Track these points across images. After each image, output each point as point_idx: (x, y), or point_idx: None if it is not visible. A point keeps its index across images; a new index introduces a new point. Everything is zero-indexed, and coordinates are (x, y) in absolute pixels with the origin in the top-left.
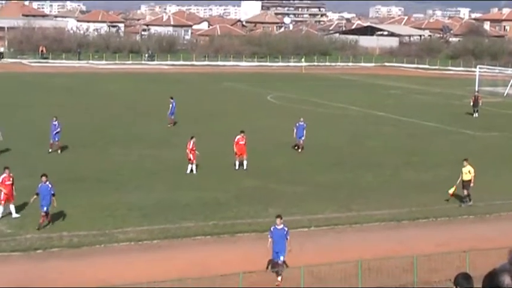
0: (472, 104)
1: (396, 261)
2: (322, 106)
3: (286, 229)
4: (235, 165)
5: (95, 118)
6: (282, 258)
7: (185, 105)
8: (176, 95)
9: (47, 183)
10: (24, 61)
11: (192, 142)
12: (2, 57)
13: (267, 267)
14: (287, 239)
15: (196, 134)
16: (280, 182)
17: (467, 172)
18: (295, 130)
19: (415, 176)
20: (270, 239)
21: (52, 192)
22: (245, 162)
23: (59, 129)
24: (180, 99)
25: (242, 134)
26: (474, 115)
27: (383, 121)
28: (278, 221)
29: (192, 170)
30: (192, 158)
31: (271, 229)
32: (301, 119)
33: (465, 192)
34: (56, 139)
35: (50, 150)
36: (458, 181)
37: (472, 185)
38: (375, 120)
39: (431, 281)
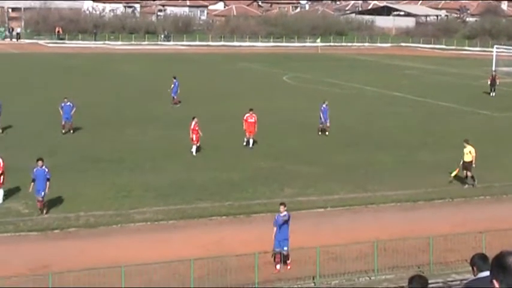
0: (489, 83)
1: (412, 241)
2: (338, 86)
3: (288, 215)
4: (244, 141)
5: (111, 99)
6: (285, 248)
7: (201, 86)
8: (192, 76)
9: (43, 167)
10: (40, 42)
11: (194, 122)
12: (19, 38)
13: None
14: (288, 224)
15: (212, 114)
16: (296, 163)
17: (468, 153)
18: (320, 114)
19: (431, 157)
20: (274, 228)
21: (48, 177)
22: (251, 141)
23: (74, 109)
24: (196, 80)
25: (251, 112)
26: (491, 94)
27: (399, 102)
28: (282, 208)
29: (196, 151)
30: (194, 139)
31: (276, 217)
32: (326, 102)
33: (468, 173)
34: (70, 120)
35: (64, 131)
36: (460, 163)
37: (473, 165)
38: (390, 101)
39: (447, 261)
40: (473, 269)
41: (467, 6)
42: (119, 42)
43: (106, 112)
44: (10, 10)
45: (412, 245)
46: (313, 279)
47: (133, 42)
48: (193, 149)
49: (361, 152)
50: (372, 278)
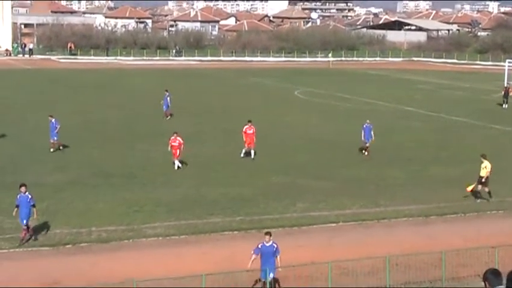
0: (503, 94)
1: (424, 256)
2: (349, 101)
3: (275, 245)
4: (241, 153)
5: (123, 114)
6: (271, 275)
7: (212, 101)
8: (203, 91)
9: (26, 193)
10: (53, 57)
11: (175, 138)
12: (31, 54)
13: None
14: (277, 256)
15: (223, 129)
16: (307, 178)
17: (484, 168)
18: (362, 132)
19: (444, 171)
20: (253, 256)
21: (32, 203)
22: (252, 152)
23: (58, 127)
24: (207, 95)
25: (250, 124)
26: (504, 106)
27: (411, 116)
28: (267, 238)
29: (178, 166)
30: (174, 153)
31: (259, 246)
32: (368, 121)
33: (485, 189)
34: (55, 138)
35: (52, 150)
36: (479, 178)
37: (483, 180)
38: (403, 115)
39: (459, 277)
40: (485, 284)
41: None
42: (131, 58)
43: (117, 127)
44: (23, 26)
45: (425, 260)
46: None
47: (145, 58)
48: (176, 162)
49: (373, 167)
50: None
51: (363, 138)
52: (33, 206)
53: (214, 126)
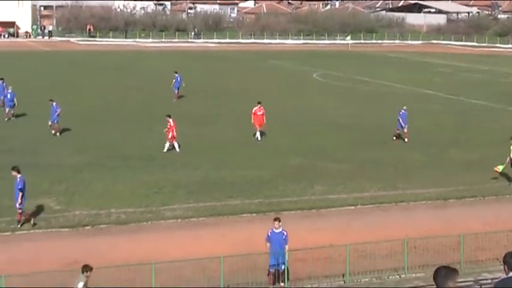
0: None
1: (443, 239)
2: (368, 84)
3: (285, 233)
4: (255, 136)
5: (141, 96)
6: (283, 267)
7: (231, 83)
8: (222, 73)
9: (17, 176)
10: (72, 39)
11: (171, 121)
12: (51, 36)
13: (270, 276)
14: (286, 244)
15: (241, 111)
16: (326, 160)
17: None
18: (399, 120)
19: (462, 155)
20: (267, 244)
21: (19, 187)
22: (258, 134)
23: (58, 111)
24: (226, 77)
25: (259, 105)
26: None
27: (430, 99)
28: (276, 224)
29: (173, 148)
30: (170, 137)
31: (269, 233)
32: (404, 107)
33: None
34: (55, 121)
35: (53, 133)
36: (507, 160)
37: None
38: (422, 98)
39: (478, 260)
40: (505, 267)
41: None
42: (150, 40)
43: (136, 109)
44: (42, 8)
45: (443, 243)
46: (343, 277)
47: (163, 40)
48: (166, 145)
49: (392, 150)
50: (402, 276)
51: (400, 125)
52: (20, 190)
53: (233, 109)
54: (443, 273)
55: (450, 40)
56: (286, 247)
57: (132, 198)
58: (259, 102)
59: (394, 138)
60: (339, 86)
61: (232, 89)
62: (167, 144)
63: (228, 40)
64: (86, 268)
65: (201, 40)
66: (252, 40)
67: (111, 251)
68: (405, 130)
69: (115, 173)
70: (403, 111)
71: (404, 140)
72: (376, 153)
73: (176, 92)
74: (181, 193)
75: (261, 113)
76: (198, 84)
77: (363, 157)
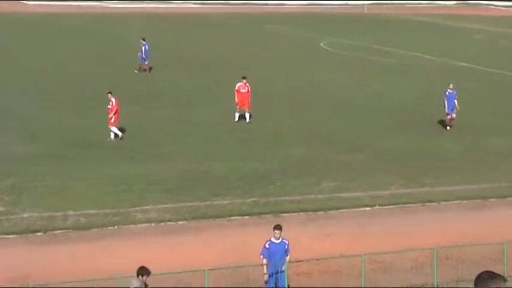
0: None
1: (481, 248)
2: (389, 55)
3: (286, 243)
4: (235, 117)
5: (107, 68)
6: (284, 284)
7: (217, 53)
8: (206, 41)
9: None
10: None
11: (113, 100)
12: None
13: None
14: (287, 255)
15: (231, 89)
16: (336, 150)
17: None
18: (445, 101)
19: (505, 143)
20: (264, 260)
21: None
22: (247, 115)
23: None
24: (211, 46)
25: (244, 81)
26: None
27: (465, 74)
28: (276, 233)
29: (116, 134)
30: (113, 120)
31: (267, 245)
32: (451, 85)
33: None
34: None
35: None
36: None
37: None
38: (454, 73)
39: None
40: None
41: None
42: (117, 0)
43: (100, 84)
44: None
45: (481, 252)
46: None
47: (134, 0)
48: (115, 132)
49: (417, 137)
50: None
51: (446, 109)
52: None
53: (220, 85)
54: (486, 276)
55: None
56: (287, 258)
57: (95, 197)
58: (244, 78)
59: (448, 127)
60: (352, 57)
61: (219, 61)
62: (114, 129)
63: (214, 1)
64: (142, 271)
65: (181, 0)
66: (244, 1)
67: (69, 262)
68: (453, 115)
69: (73, 165)
70: (449, 90)
71: (446, 127)
72: (398, 142)
73: (145, 63)
74: (156, 191)
75: (246, 90)
76: (177, 55)
77: (382, 146)
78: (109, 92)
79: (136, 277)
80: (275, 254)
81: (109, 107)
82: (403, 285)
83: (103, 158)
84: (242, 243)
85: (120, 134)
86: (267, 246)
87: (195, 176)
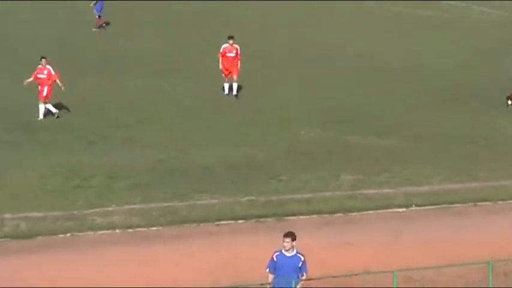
0: None
1: None
2: (427, 6)
3: (301, 258)
4: (223, 89)
5: (56, 27)
6: None
7: (205, 4)
8: None
9: None
10: None
11: (43, 67)
12: None
13: None
14: (302, 275)
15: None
16: (360, 131)
17: None
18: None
19: None
20: (270, 276)
21: None
22: (235, 86)
23: None
24: None
25: (231, 42)
26: None
27: None
28: (287, 242)
29: (50, 111)
30: (46, 93)
31: (274, 257)
32: None
33: None
34: None
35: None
36: None
37: None
38: None
39: None
40: None
41: None
42: None
43: (43, 46)
44: None
45: None
46: None
47: None
48: (49, 108)
49: (466, 115)
50: None
51: None
52: None
53: (204, 44)
54: None
55: None
56: (303, 277)
57: (41, 194)
58: (230, 37)
59: (510, 102)
60: (380, 8)
61: (206, 14)
62: (44, 107)
63: None
64: None
65: None
66: None
67: (6, 279)
68: None
69: (12, 153)
70: None
71: (508, 101)
72: (441, 121)
73: (97, 16)
74: (122, 187)
75: (233, 54)
76: (146, 8)
77: (419, 126)
78: (42, 58)
79: None
80: (283, 270)
81: (42, 76)
82: None
83: (51, 143)
84: (234, 256)
85: (55, 111)
86: (274, 258)
87: (173, 167)
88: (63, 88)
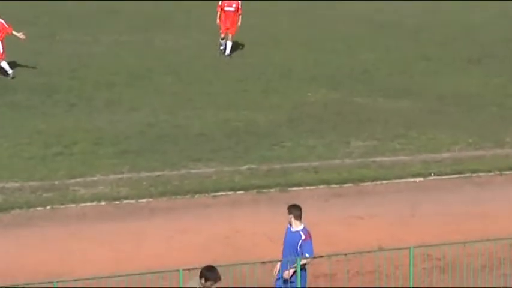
0: None
1: None
2: None
3: (302, 237)
4: (220, 46)
5: None
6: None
7: None
8: None
9: None
10: None
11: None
12: None
13: None
14: (305, 254)
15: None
16: (372, 92)
17: None
18: None
19: None
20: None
21: None
22: (229, 45)
23: None
24: None
25: None
26: None
27: None
28: (293, 218)
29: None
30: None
31: (285, 230)
32: None
33: None
34: None
35: None
36: None
37: None
38: None
39: None
40: None
41: None
42: None
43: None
44: None
45: None
46: None
47: None
48: (4, 68)
49: (492, 75)
50: None
51: None
52: None
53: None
54: None
55: None
56: (305, 259)
57: (17, 163)
58: None
59: None
60: None
61: None
62: (3, 64)
63: None
64: (209, 274)
65: None
66: None
67: None
68: None
69: None
70: None
71: None
72: (463, 80)
73: None
74: (107, 154)
75: (233, 8)
76: None
77: (439, 86)
78: None
79: (198, 278)
80: (285, 247)
81: None
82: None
83: (29, 106)
84: (233, 230)
85: (10, 71)
86: (285, 231)
87: (164, 132)
88: (23, 38)
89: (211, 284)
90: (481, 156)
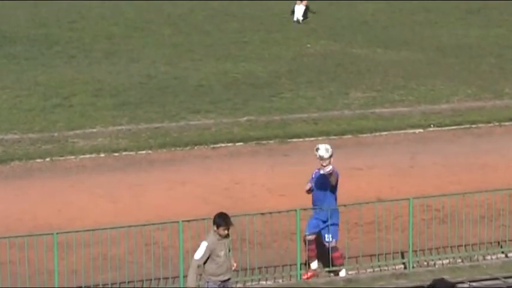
0: None
1: None
2: None
3: (331, 171)
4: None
5: None
6: (328, 237)
7: None
8: None
9: None
10: None
11: None
12: None
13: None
14: (331, 193)
15: None
16: (371, 42)
17: None
18: None
19: None
20: (308, 185)
21: None
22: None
23: None
24: None
25: None
26: None
27: None
28: (325, 162)
29: None
30: None
31: (313, 174)
32: None
33: None
34: None
35: None
36: None
37: None
38: None
39: None
40: None
41: None
42: None
43: None
44: None
45: None
46: (403, 257)
47: None
48: None
49: (491, 25)
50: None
51: None
52: None
53: None
54: None
55: None
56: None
57: (16, 114)
58: None
59: None
60: None
61: None
62: None
63: None
64: (220, 220)
65: None
66: None
67: None
68: None
69: None
70: None
71: None
72: (462, 32)
73: None
74: (107, 105)
75: None
76: None
77: (438, 37)
78: None
79: (213, 231)
80: (320, 189)
81: None
82: (469, 242)
83: (28, 57)
84: (232, 182)
85: None
86: (313, 174)
87: (163, 83)
88: None
89: (224, 230)
90: (480, 107)
